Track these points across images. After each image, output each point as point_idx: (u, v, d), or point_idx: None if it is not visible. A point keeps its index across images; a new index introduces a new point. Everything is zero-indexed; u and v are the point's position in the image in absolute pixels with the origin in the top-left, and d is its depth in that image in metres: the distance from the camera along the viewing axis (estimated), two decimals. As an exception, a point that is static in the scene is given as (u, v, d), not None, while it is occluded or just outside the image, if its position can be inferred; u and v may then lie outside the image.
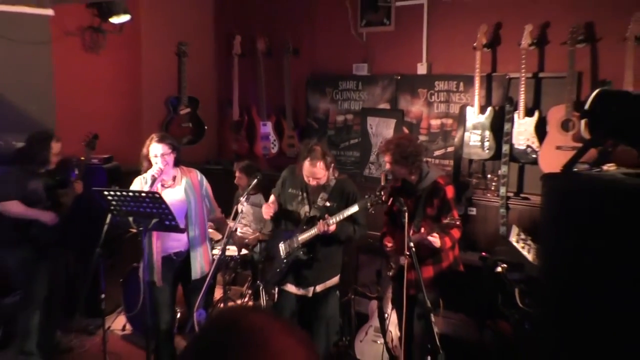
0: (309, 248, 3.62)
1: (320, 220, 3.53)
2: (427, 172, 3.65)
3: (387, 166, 3.69)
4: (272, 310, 3.91)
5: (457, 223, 3.46)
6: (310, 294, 3.69)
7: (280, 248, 3.72)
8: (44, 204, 4.20)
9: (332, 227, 3.50)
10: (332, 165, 3.65)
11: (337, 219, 3.50)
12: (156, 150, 3.73)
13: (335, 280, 3.78)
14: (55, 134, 4.31)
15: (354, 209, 3.46)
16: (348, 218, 3.55)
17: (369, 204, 3.43)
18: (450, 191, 3.64)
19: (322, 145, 3.67)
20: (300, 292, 3.71)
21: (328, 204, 3.63)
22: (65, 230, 4.28)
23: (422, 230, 3.50)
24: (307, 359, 1.01)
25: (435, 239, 3.45)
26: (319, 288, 3.70)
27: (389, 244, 3.77)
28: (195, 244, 3.83)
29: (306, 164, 3.57)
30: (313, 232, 3.57)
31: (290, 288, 3.75)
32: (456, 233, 3.58)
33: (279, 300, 3.82)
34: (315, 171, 3.55)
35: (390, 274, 3.87)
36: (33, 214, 4.12)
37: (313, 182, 3.61)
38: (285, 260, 3.67)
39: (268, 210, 3.77)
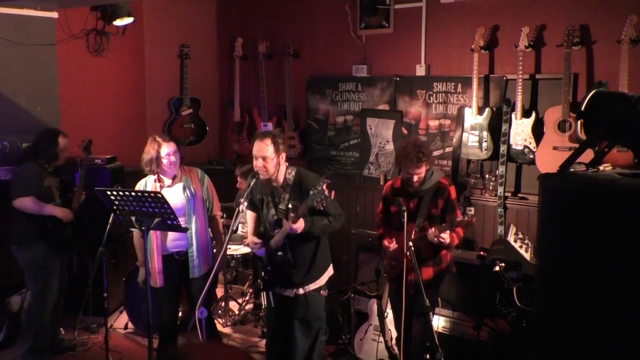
0: (286, 251, 3.51)
1: (285, 220, 3.44)
2: (431, 173, 3.65)
3: (416, 178, 3.57)
4: (267, 313, 3.90)
5: (473, 220, 3.44)
6: (292, 296, 3.61)
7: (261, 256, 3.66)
8: (56, 202, 4.27)
9: (299, 225, 3.39)
10: (283, 153, 3.51)
11: (299, 213, 3.38)
12: (168, 149, 3.79)
13: (319, 282, 3.65)
14: (62, 130, 4.38)
15: (307, 204, 3.32)
16: (321, 211, 3.44)
17: (315, 203, 3.29)
18: (453, 191, 3.68)
19: (278, 133, 3.61)
20: (283, 292, 3.64)
21: (290, 205, 3.52)
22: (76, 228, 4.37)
23: (432, 230, 3.47)
24: None
25: (446, 236, 3.46)
26: (301, 291, 3.60)
27: (392, 245, 3.69)
28: (193, 243, 3.86)
29: (255, 142, 3.49)
30: (282, 234, 3.47)
31: (277, 289, 3.68)
32: (461, 231, 3.62)
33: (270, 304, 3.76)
34: (262, 147, 3.44)
35: (386, 275, 3.86)
36: (49, 210, 4.19)
37: (260, 167, 3.46)
38: (268, 268, 3.61)
39: (257, 248, 3.65)
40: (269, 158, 3.45)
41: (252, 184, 3.56)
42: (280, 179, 3.57)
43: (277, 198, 3.59)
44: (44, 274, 4.24)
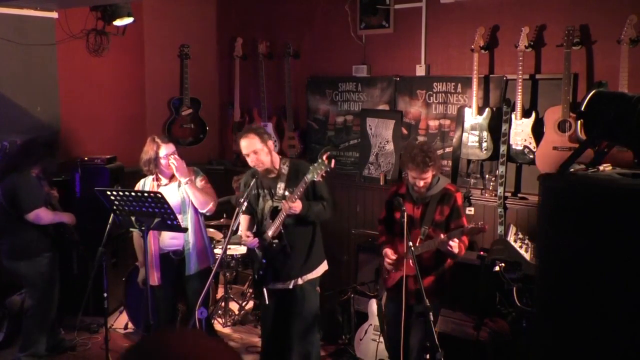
0: (282, 239, 3.54)
1: (283, 201, 3.47)
2: (438, 179, 3.56)
3: (422, 183, 3.47)
4: (262, 311, 3.90)
5: (485, 227, 3.34)
6: (290, 287, 3.62)
7: (256, 251, 3.67)
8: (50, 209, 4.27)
9: (297, 204, 3.43)
10: (269, 141, 3.60)
11: (298, 192, 3.42)
12: (167, 150, 3.81)
13: (317, 272, 3.67)
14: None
15: (308, 179, 3.39)
16: (314, 195, 3.55)
17: (315, 175, 3.34)
18: (460, 198, 3.58)
19: (256, 126, 3.71)
20: (280, 286, 3.64)
21: (287, 193, 3.55)
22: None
23: (443, 235, 3.38)
24: None
25: (455, 244, 3.35)
26: (300, 281, 3.61)
27: (393, 257, 3.59)
28: (190, 240, 3.87)
29: (241, 142, 3.59)
30: (280, 218, 3.50)
31: (271, 285, 3.68)
32: (466, 240, 3.51)
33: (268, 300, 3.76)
34: (249, 143, 3.53)
35: (385, 281, 3.78)
36: (59, 217, 4.20)
37: (255, 161, 3.54)
38: (264, 261, 3.63)
39: (249, 240, 3.68)
40: (259, 150, 3.56)
41: (252, 183, 3.59)
42: (277, 168, 3.64)
43: (273, 189, 3.64)
44: (51, 285, 4.25)
